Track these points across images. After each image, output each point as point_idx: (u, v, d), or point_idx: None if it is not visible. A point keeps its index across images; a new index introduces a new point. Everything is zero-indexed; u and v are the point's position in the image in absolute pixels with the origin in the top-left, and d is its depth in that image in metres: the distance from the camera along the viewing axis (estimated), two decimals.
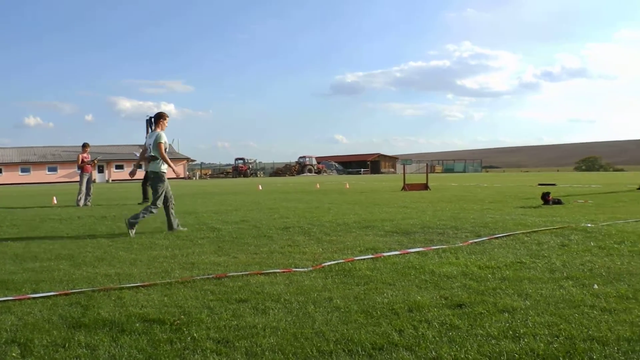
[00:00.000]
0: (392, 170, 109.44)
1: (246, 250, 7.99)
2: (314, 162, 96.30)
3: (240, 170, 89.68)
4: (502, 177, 53.69)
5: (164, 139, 10.31)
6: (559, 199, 15.27)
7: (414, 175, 51.02)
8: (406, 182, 25.88)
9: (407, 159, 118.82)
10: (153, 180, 10.32)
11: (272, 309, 4.70)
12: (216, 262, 7.02)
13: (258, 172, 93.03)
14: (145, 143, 10.88)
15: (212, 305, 4.85)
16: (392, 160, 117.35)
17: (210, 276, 6.05)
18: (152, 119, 10.84)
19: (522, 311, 4.45)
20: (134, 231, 9.93)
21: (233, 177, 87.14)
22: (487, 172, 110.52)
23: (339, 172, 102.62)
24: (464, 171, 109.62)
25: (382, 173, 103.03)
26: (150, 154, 10.34)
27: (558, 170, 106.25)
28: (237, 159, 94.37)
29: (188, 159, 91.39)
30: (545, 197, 15.03)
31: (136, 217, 10.05)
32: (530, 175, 63.13)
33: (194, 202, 20.13)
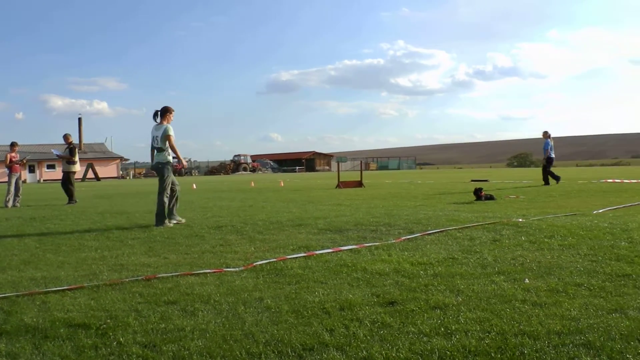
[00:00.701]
0: (327, 168, 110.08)
1: (177, 250, 7.85)
2: (249, 160, 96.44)
3: (175, 169, 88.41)
4: (435, 174, 54.61)
5: (172, 131, 11.07)
6: (491, 195, 15.53)
7: (349, 173, 51.44)
8: (340, 180, 26.00)
9: (342, 157, 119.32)
10: (162, 169, 11.09)
11: (202, 310, 4.60)
12: (146, 263, 6.89)
13: (193, 171, 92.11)
14: (151, 134, 11.28)
15: (140, 308, 4.72)
16: (327, 158, 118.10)
17: (140, 278, 5.91)
18: (159, 112, 11.27)
19: (454, 307, 4.45)
20: (169, 222, 10.88)
21: None
22: (421, 169, 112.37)
23: (274, 170, 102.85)
24: (398, 168, 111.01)
25: (317, 171, 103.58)
26: (157, 145, 11.03)
27: (491, 167, 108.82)
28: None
29: (121, 158, 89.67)
30: (477, 193, 15.27)
31: (158, 213, 10.82)
32: (463, 171, 64.43)
33: (126, 202, 19.68)
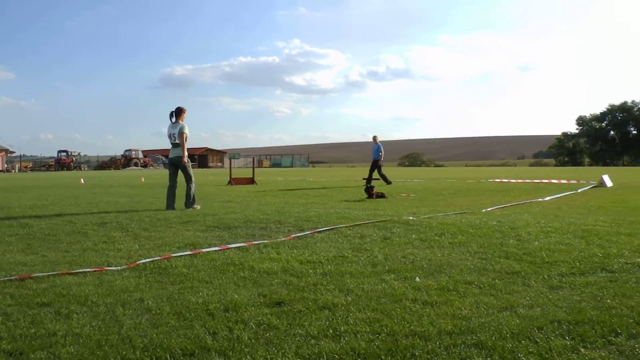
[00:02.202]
0: (220, 164, 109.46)
1: (57, 248, 7.49)
2: (141, 155, 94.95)
3: (64, 163, 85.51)
4: (328, 172, 55.21)
5: (187, 129, 12.89)
6: (382, 193, 15.75)
7: (242, 170, 51.23)
8: (232, 177, 25.97)
9: (235, 154, 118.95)
10: (181, 162, 12.92)
11: (77, 313, 4.39)
12: (22, 261, 6.54)
13: (82, 166, 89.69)
14: (167, 132, 13.03)
15: (9, 311, 4.45)
16: (220, 154, 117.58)
17: (13, 278, 5.58)
18: (174, 113, 13.01)
19: (343, 307, 4.38)
20: (197, 206, 12.80)
21: (55, 170, 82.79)
22: (314, 167, 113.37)
23: (165, 165, 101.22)
24: (291, 166, 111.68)
25: (209, 167, 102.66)
26: (176, 141, 12.84)
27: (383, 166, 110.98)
28: (60, 152, 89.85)
29: (7, 151, 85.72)
30: (369, 191, 15.43)
31: (188, 197, 12.79)
32: (355, 170, 65.43)
33: (8, 196, 18.56)
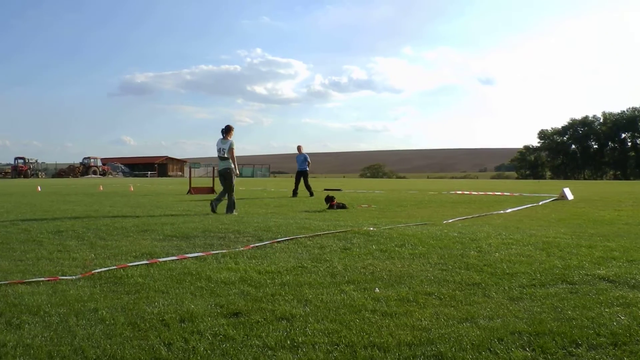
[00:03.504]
0: (180, 173, 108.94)
1: (10, 256, 7.41)
2: (99, 163, 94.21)
3: (20, 170, 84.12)
4: (289, 182, 55.04)
5: (235, 145, 14.43)
6: (343, 204, 15.76)
7: (202, 179, 50.92)
8: (192, 186, 26.00)
9: (195, 163, 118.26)
10: (228, 175, 14.42)
11: (29, 323, 4.33)
12: None
13: (40, 173, 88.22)
14: (217, 147, 14.49)
15: None
16: (180, 163, 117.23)
17: None
18: (224, 130, 14.52)
19: (301, 318, 4.37)
20: (235, 212, 14.03)
21: (12, 177, 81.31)
22: (275, 177, 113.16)
23: (125, 174, 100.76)
24: (252, 176, 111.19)
25: (169, 176, 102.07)
26: (223, 155, 14.30)
27: (344, 177, 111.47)
28: (16, 158, 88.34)
29: None
30: (329, 202, 15.43)
31: (229, 206, 14.09)
32: (316, 180, 65.44)
33: None
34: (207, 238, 9.04)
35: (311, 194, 22.51)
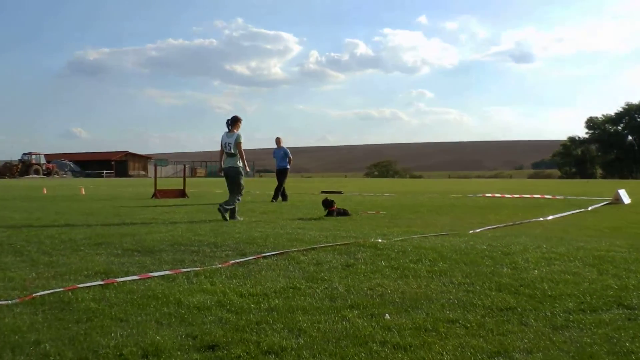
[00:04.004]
0: (143, 172, 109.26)
1: None
2: (43, 160, 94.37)
3: None
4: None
5: (243, 138, 15.15)
6: (345, 210, 15.78)
7: (170, 180, 51.35)
8: (158, 188, 26.10)
9: (162, 159, 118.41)
10: (236, 175, 15.14)
11: None
12: None
13: None
14: (222, 141, 15.32)
15: None
16: (144, 160, 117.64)
17: None
18: (229, 121, 15.28)
19: (293, 352, 4.37)
20: (239, 217, 14.91)
21: None
22: (261, 177, 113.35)
23: (75, 174, 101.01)
24: None
25: (130, 176, 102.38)
26: (230, 151, 15.01)
27: (346, 176, 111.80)
28: None
29: None
30: (328, 207, 15.42)
31: (227, 204, 14.81)
32: (313, 181, 65.59)
33: None
34: (177, 252, 9.05)
35: (285, 199, 22.61)
